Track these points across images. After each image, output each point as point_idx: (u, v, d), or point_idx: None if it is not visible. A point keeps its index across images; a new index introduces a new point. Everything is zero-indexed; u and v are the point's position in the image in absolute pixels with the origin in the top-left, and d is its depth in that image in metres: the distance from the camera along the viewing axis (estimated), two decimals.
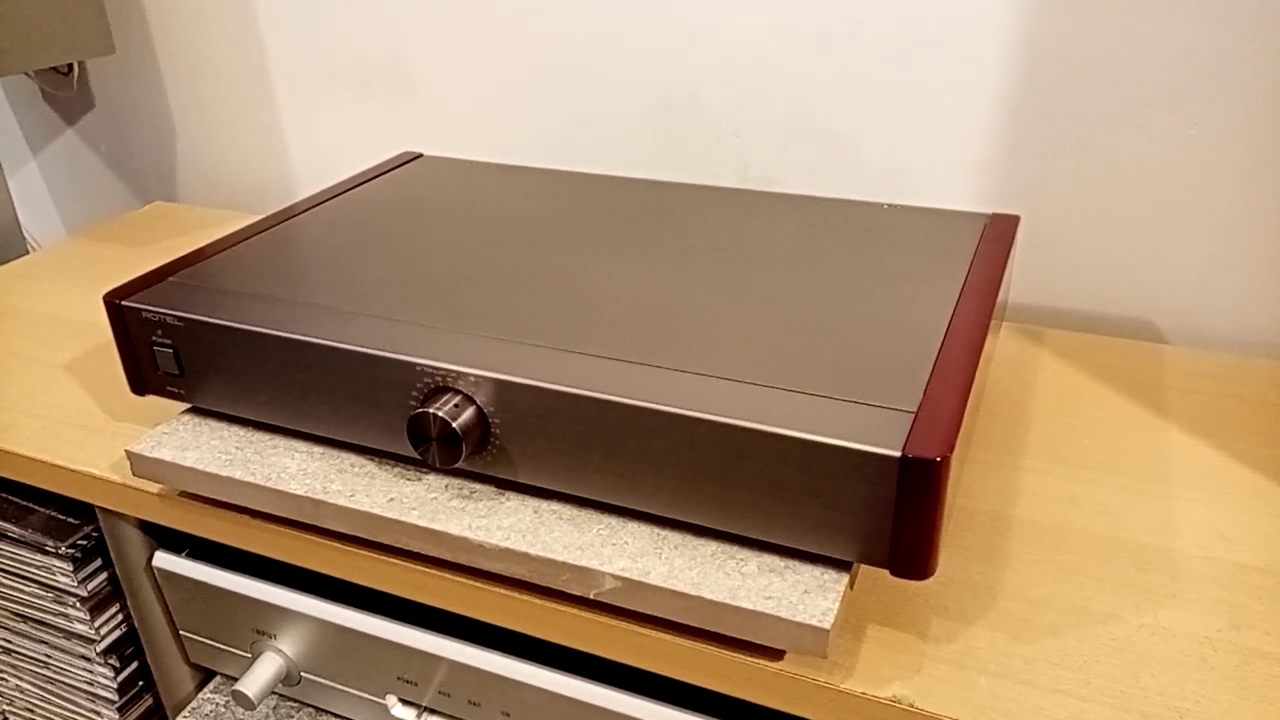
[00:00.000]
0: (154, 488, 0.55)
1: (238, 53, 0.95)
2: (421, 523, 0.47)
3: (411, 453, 0.48)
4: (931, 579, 0.46)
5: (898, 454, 0.39)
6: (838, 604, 0.41)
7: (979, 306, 0.50)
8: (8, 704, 0.74)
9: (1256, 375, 0.65)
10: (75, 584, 0.63)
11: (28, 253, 0.94)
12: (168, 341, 0.53)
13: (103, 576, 0.64)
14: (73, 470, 0.58)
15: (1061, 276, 0.74)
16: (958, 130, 0.73)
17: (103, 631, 0.65)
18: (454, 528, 0.47)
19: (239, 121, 0.99)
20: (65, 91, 1.06)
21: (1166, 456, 0.57)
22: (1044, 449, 0.58)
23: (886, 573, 0.47)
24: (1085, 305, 0.74)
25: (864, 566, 0.48)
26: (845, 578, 0.43)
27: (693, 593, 0.42)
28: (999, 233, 0.59)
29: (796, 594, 0.42)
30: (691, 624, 0.43)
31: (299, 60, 0.93)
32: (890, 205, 0.64)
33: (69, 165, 1.12)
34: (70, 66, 1.03)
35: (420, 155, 0.76)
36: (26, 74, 1.06)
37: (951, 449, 0.38)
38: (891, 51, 0.72)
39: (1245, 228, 0.68)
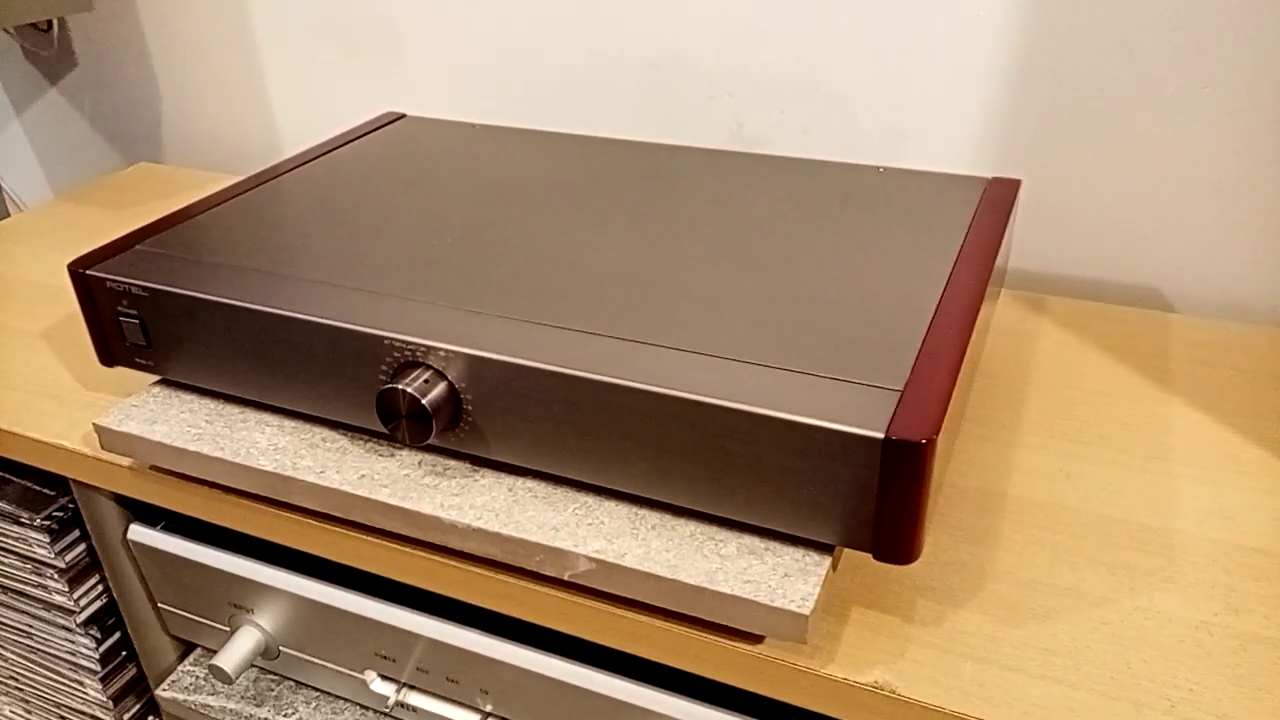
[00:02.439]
0: (125, 461, 0.54)
1: (220, 9, 0.93)
2: (392, 501, 0.46)
3: (383, 429, 0.46)
4: (919, 559, 0.44)
5: (881, 435, 0.37)
6: (818, 589, 0.40)
7: (973, 277, 0.48)
8: None
9: (1266, 346, 0.63)
10: (52, 555, 0.62)
11: (9, 215, 0.93)
12: (133, 312, 0.51)
13: (81, 548, 0.63)
14: (44, 442, 0.57)
15: (1065, 242, 0.72)
16: (959, 90, 0.70)
17: (82, 603, 0.64)
18: (425, 506, 0.45)
19: (222, 80, 0.96)
20: (46, 49, 1.04)
21: (1168, 431, 0.55)
22: (1041, 422, 0.56)
23: None
24: (1089, 271, 0.72)
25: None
26: (827, 561, 0.41)
27: (669, 576, 0.41)
28: (998, 197, 0.57)
29: (776, 578, 0.40)
30: (668, 607, 0.42)
31: (282, 16, 0.90)
32: (884, 168, 0.61)
33: (53, 125, 1.09)
34: (50, 23, 1.01)
35: (403, 116, 0.73)
36: (7, 31, 1.03)
37: (938, 431, 0.37)
38: (892, 7, 0.69)
39: (1256, 191, 0.66)
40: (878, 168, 0.61)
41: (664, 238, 0.53)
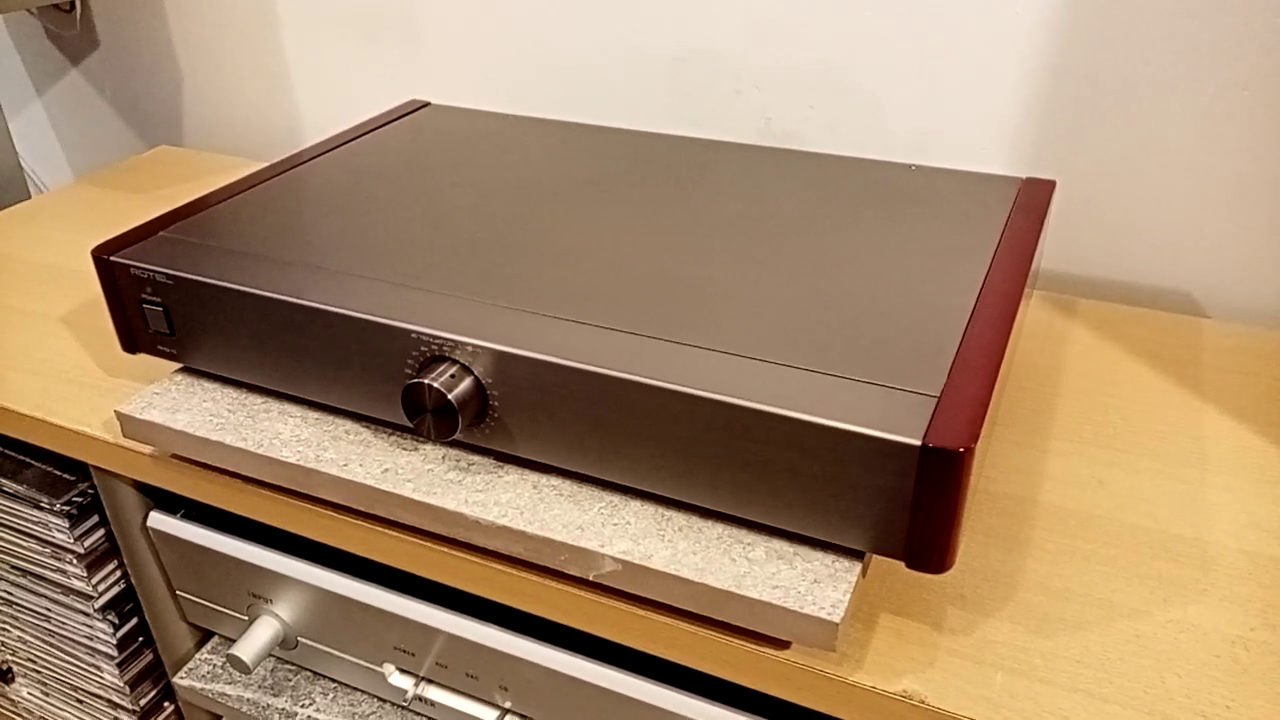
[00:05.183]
0: (146, 448, 0.54)
1: None
2: (416, 496, 0.45)
3: (408, 423, 0.45)
4: None
5: (917, 443, 0.36)
6: (849, 596, 0.39)
7: (1010, 280, 0.47)
8: (11, 654, 0.74)
9: None
10: (71, 540, 0.62)
11: (30, 196, 0.92)
12: (157, 300, 0.51)
13: (100, 533, 0.63)
14: (65, 428, 0.56)
15: (1097, 244, 0.71)
16: (992, 89, 0.69)
17: (100, 588, 0.64)
18: (450, 502, 0.45)
19: (245, 64, 0.96)
20: (69, 30, 1.03)
21: (1202, 439, 0.54)
22: (1073, 428, 0.55)
23: None
24: (1121, 275, 0.71)
25: None
26: (857, 567, 0.41)
27: (696, 579, 0.40)
28: (1033, 199, 0.56)
29: (805, 583, 0.40)
30: (694, 610, 0.41)
31: (306, 1, 0.90)
32: (916, 167, 0.60)
33: (75, 106, 1.09)
34: (73, 4, 1.00)
35: (427, 104, 0.73)
36: (29, 12, 1.03)
37: (976, 439, 0.36)
38: (922, 2, 0.68)
39: None
40: (909, 166, 0.60)
41: (693, 233, 0.52)
